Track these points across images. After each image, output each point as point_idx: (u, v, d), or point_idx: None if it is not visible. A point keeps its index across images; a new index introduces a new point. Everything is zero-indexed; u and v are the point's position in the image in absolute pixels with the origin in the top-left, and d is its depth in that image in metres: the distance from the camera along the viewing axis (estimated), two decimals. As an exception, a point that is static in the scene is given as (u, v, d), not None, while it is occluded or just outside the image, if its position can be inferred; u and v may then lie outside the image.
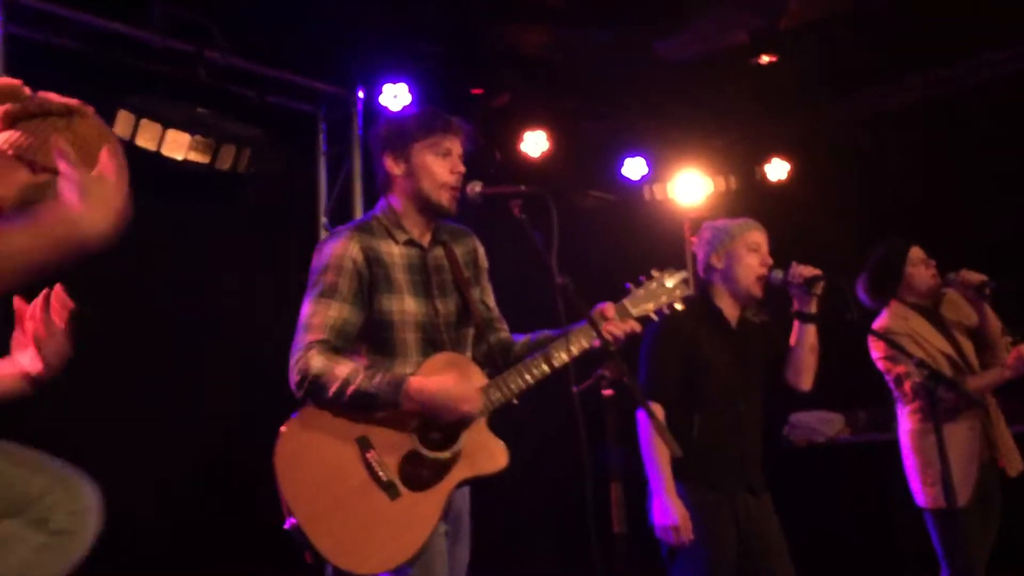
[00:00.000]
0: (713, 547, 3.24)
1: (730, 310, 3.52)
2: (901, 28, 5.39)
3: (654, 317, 2.85)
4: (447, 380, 2.56)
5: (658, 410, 3.22)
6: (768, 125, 6.58)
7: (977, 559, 3.72)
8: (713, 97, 6.16)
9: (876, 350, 3.96)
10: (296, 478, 2.49)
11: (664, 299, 2.85)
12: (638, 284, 2.85)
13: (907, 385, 3.82)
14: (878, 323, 3.97)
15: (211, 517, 4.67)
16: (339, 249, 2.69)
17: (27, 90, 2.09)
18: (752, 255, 3.46)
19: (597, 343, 2.67)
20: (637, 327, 2.77)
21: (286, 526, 2.47)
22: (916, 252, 4.03)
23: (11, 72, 4.11)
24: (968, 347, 3.95)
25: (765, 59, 5.82)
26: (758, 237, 3.52)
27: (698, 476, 3.28)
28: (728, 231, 3.52)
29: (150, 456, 4.59)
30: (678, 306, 2.88)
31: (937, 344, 3.89)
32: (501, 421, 2.65)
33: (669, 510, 3.20)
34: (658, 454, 3.23)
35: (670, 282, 2.87)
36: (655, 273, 2.88)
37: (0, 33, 4.08)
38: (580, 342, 2.70)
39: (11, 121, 2.00)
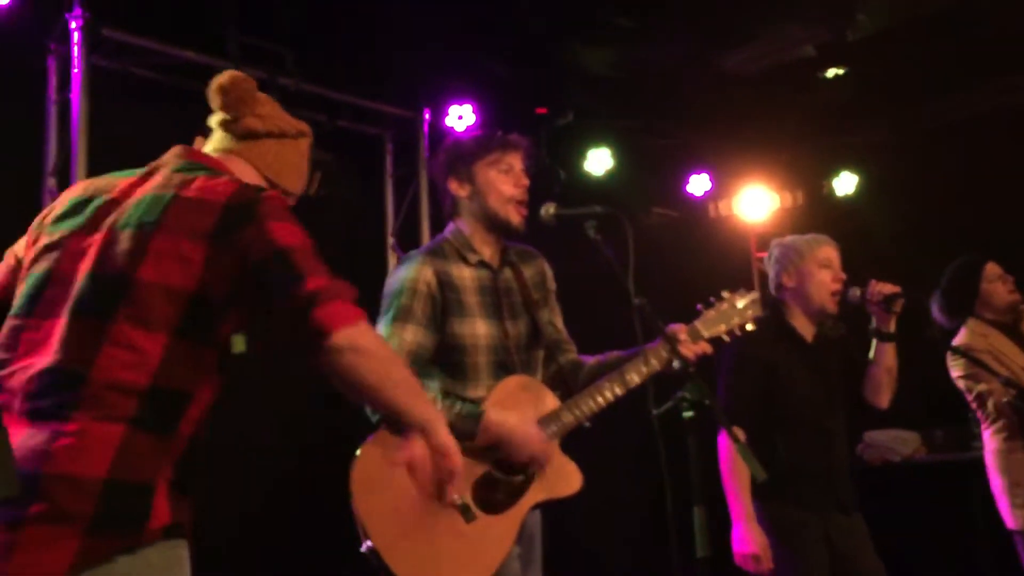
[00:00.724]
0: (802, 568, 3.18)
1: (804, 328, 3.46)
2: (969, 38, 5.29)
3: (726, 339, 2.82)
4: (524, 424, 2.55)
5: (740, 434, 3.15)
6: (835, 138, 6.49)
7: None
8: (779, 111, 6.10)
9: (956, 369, 3.87)
10: (372, 501, 2.50)
11: (736, 320, 2.82)
12: (709, 306, 2.83)
13: (991, 404, 3.72)
14: (957, 341, 3.88)
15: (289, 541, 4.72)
16: (413, 273, 2.70)
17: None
18: (824, 271, 3.41)
19: (670, 364, 2.66)
20: (708, 348, 2.74)
21: (363, 549, 2.48)
22: (992, 268, 3.94)
23: (93, 103, 4.25)
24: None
25: (832, 72, 5.77)
26: (829, 252, 3.46)
27: (785, 496, 3.21)
28: (797, 248, 3.47)
29: (225, 481, 4.66)
30: (750, 327, 2.85)
31: (1020, 361, 3.79)
32: (583, 444, 2.65)
33: (749, 537, 3.16)
34: (738, 479, 3.21)
35: (741, 303, 2.84)
36: (726, 295, 2.86)
37: (82, 65, 4.21)
38: (653, 363, 2.68)
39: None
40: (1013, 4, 4.98)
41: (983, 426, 3.86)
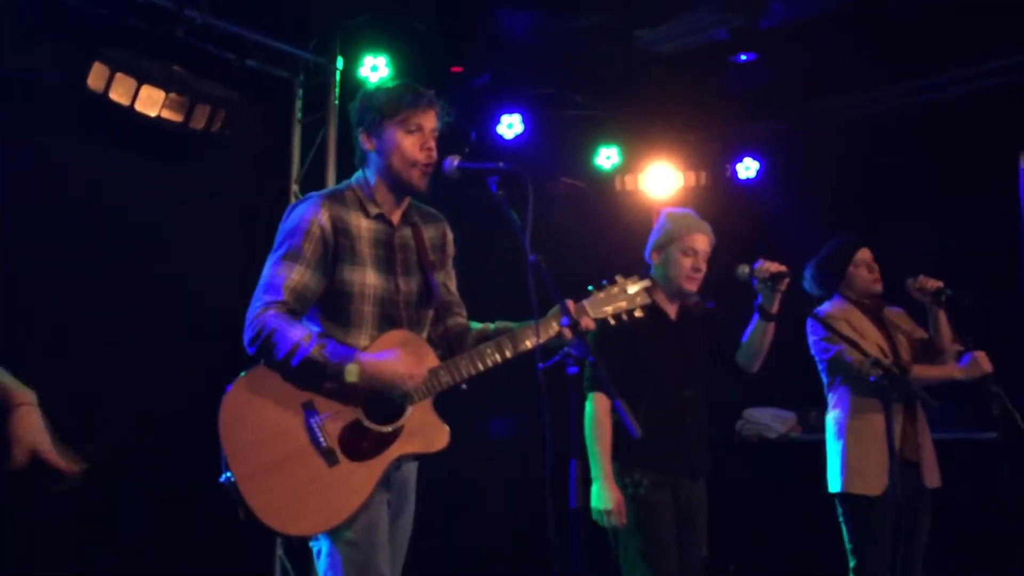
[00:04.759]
0: (653, 525, 3.42)
1: (666, 303, 3.64)
2: (880, 37, 5.47)
3: (612, 322, 2.86)
4: (395, 361, 2.56)
5: (603, 400, 3.42)
6: (742, 124, 6.65)
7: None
8: (690, 92, 6.21)
9: (812, 334, 4.05)
10: (237, 435, 2.50)
11: (624, 305, 2.86)
12: (599, 287, 2.87)
13: (842, 366, 3.91)
14: (819, 310, 4.06)
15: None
16: (308, 214, 2.68)
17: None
18: (687, 259, 3.58)
19: (557, 337, 2.69)
20: (592, 325, 2.78)
21: (221, 480, 2.49)
22: (863, 253, 4.11)
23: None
24: (904, 347, 4.04)
25: (743, 58, 5.90)
26: (698, 240, 3.61)
27: (641, 458, 3.44)
28: (669, 230, 3.64)
29: (119, 415, 4.57)
30: (638, 314, 2.89)
31: (874, 336, 3.98)
32: (469, 395, 2.68)
33: (606, 495, 3.37)
34: (602, 440, 3.42)
35: (632, 288, 2.88)
36: (619, 278, 2.89)
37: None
38: (540, 335, 2.69)
39: None
40: (921, 9, 5.16)
41: (828, 389, 4.08)
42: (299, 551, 5.04)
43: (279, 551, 5.11)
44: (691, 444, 3.54)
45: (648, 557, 3.40)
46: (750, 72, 6.05)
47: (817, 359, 4.09)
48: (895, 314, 4.16)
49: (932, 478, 3.93)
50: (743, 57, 5.91)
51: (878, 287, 4.08)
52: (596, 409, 3.45)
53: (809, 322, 4.04)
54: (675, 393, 3.53)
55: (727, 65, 5.97)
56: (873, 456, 3.79)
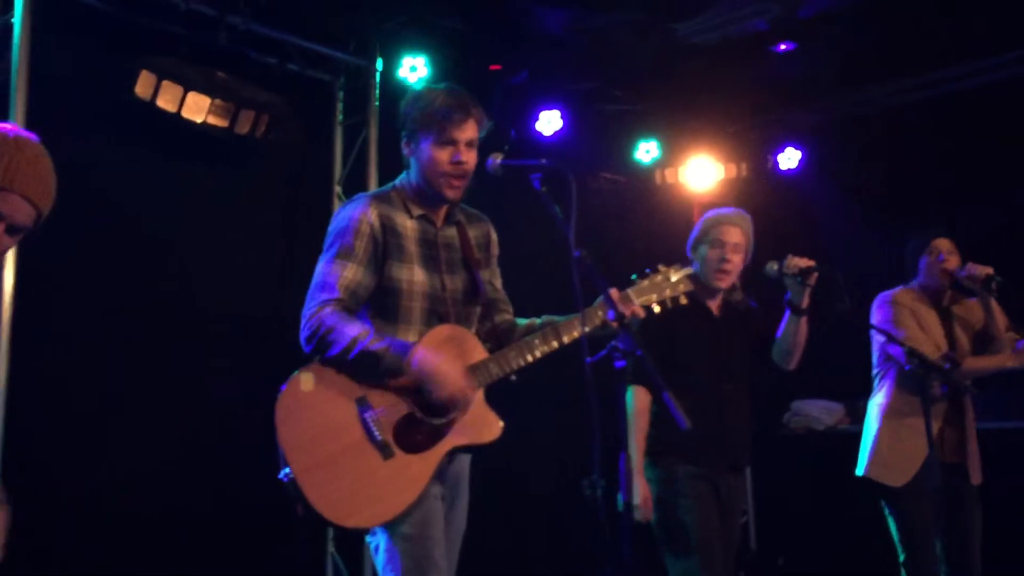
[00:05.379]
0: (698, 517, 3.42)
1: (708, 299, 3.65)
2: (921, 23, 5.40)
3: (656, 309, 2.88)
4: (451, 365, 2.59)
5: (642, 393, 3.44)
6: (782, 113, 6.60)
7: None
8: (729, 84, 6.18)
9: (873, 314, 4.04)
10: (294, 430, 2.55)
11: (668, 292, 2.89)
12: (643, 275, 2.89)
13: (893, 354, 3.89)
14: (886, 293, 4.07)
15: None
16: (358, 213, 2.74)
17: None
18: (714, 251, 3.60)
19: (603, 327, 2.72)
20: (641, 312, 2.80)
21: (280, 476, 2.54)
22: (939, 244, 4.06)
23: (40, 29, 4.14)
24: (964, 342, 4.01)
25: (783, 47, 5.86)
26: (729, 232, 3.62)
27: (682, 453, 3.46)
28: (703, 227, 3.68)
29: (163, 416, 4.66)
30: (682, 301, 2.91)
31: (934, 328, 3.95)
32: (517, 388, 2.70)
33: (634, 489, 3.38)
34: (639, 434, 3.47)
35: (675, 276, 2.91)
36: (661, 267, 2.92)
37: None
38: (586, 325, 2.72)
39: None
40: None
41: (876, 373, 4.07)
42: (351, 548, 5.11)
43: (331, 547, 5.17)
44: (730, 438, 3.56)
45: (691, 550, 3.40)
46: (790, 62, 6.00)
47: (872, 341, 4.08)
48: (968, 306, 4.09)
49: (975, 476, 3.91)
50: (782, 47, 5.86)
51: (944, 279, 4.02)
52: (634, 402, 3.47)
53: (873, 303, 4.06)
54: (714, 387, 3.54)
55: (766, 55, 5.93)
56: (903, 448, 3.81)
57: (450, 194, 2.77)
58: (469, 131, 2.77)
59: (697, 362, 3.55)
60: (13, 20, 4.12)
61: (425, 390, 2.58)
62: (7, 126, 1.94)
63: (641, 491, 3.42)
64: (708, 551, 3.41)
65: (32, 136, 2.02)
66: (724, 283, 3.63)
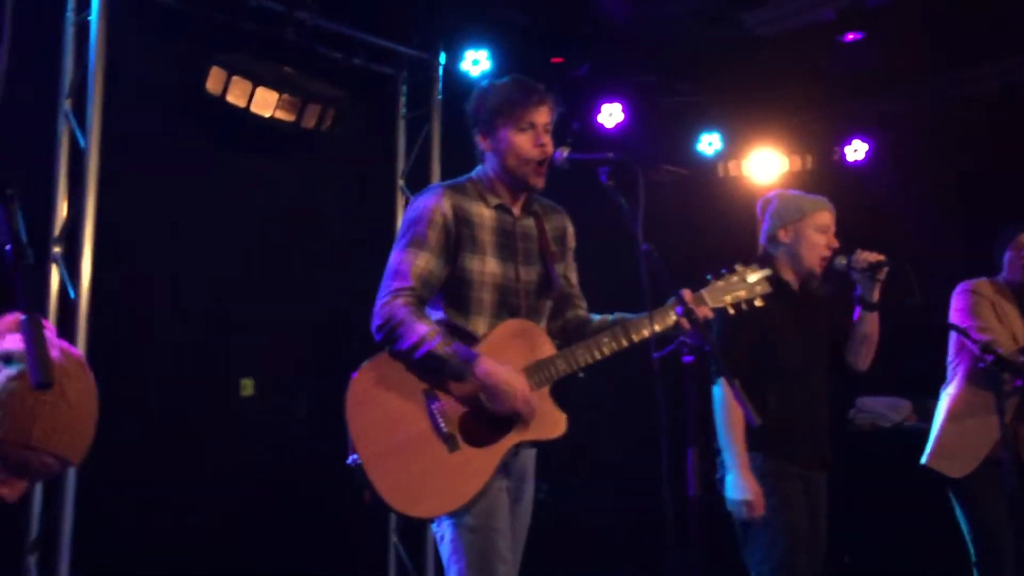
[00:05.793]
0: (788, 516, 3.25)
1: (793, 283, 3.52)
2: (991, 10, 5.26)
3: (731, 311, 2.84)
4: (516, 378, 2.59)
5: (733, 385, 3.22)
6: (849, 104, 6.48)
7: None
8: (794, 74, 6.08)
9: (952, 304, 3.97)
10: (363, 418, 2.58)
11: (743, 294, 2.84)
12: (718, 276, 2.85)
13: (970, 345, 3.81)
14: (967, 282, 4.00)
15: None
16: (431, 203, 2.75)
17: None
18: (819, 235, 3.45)
19: (674, 327, 2.69)
20: (710, 313, 2.76)
21: (348, 462, 2.57)
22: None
23: (116, 27, 4.25)
24: None
25: (850, 37, 5.75)
26: (828, 218, 3.49)
27: (774, 448, 3.27)
28: (799, 206, 3.49)
29: (229, 406, 4.76)
30: (758, 303, 2.86)
31: (1014, 322, 3.88)
32: (583, 383, 2.71)
33: (743, 485, 3.20)
34: (734, 428, 3.24)
35: (752, 277, 2.86)
36: (738, 267, 2.87)
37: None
38: (657, 325, 2.70)
39: None
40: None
41: (950, 363, 3.99)
42: (414, 538, 5.17)
43: (394, 538, 5.24)
44: (819, 432, 3.40)
45: (781, 549, 3.23)
46: (857, 51, 5.89)
47: (950, 330, 4.01)
48: None
49: None
50: (850, 36, 5.76)
51: None
52: (726, 396, 3.27)
53: (953, 291, 3.99)
54: (804, 378, 3.40)
55: (834, 45, 5.82)
56: (967, 440, 3.75)
57: (537, 182, 2.77)
58: (545, 115, 2.78)
59: (786, 351, 3.38)
60: (90, 18, 4.22)
61: (487, 402, 2.59)
62: (65, 347, 1.56)
63: (752, 486, 3.19)
64: (796, 553, 3.24)
65: (81, 361, 1.61)
66: (821, 269, 3.47)
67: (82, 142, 4.19)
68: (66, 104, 4.28)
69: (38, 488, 4.01)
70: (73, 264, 4.11)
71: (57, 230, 4.20)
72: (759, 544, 3.27)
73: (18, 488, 1.57)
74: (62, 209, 4.23)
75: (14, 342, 1.49)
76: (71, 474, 3.92)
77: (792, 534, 3.25)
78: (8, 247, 1.33)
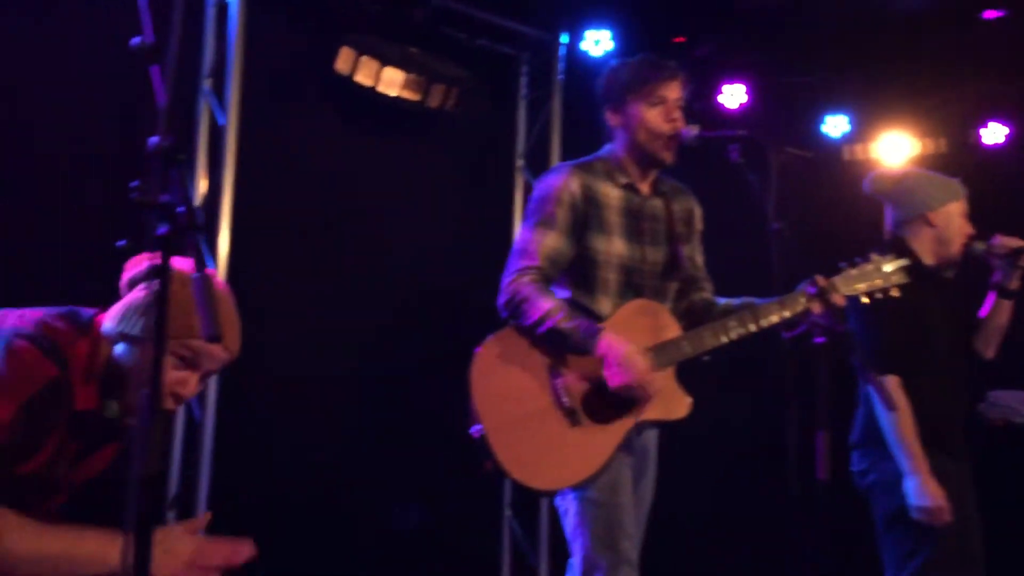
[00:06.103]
0: (962, 518, 3.09)
1: (935, 269, 3.39)
2: None
3: (865, 300, 2.78)
4: (636, 357, 2.57)
5: (894, 382, 3.09)
6: (987, 85, 6.18)
7: None
8: (928, 54, 5.84)
9: None
10: (487, 390, 2.64)
11: (879, 283, 2.79)
12: (852, 264, 2.80)
13: None
14: None
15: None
16: (559, 182, 2.78)
17: None
18: (965, 220, 3.35)
19: (805, 314, 2.65)
20: (842, 302, 2.71)
21: (472, 432, 2.62)
22: None
23: (253, 9, 4.42)
24: None
25: (991, 14, 5.49)
26: (965, 202, 3.39)
27: (936, 444, 3.12)
28: (948, 187, 3.37)
29: (351, 382, 4.91)
30: (894, 293, 2.80)
31: None
32: (710, 365, 2.69)
33: (928, 491, 3.03)
34: (908, 428, 3.07)
35: (888, 267, 2.81)
36: (873, 256, 2.82)
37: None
38: (787, 310, 2.67)
39: None
40: None
41: None
42: (528, 511, 5.23)
43: (507, 511, 5.31)
44: (962, 424, 3.29)
45: (942, 546, 3.06)
46: (997, 30, 5.62)
47: None
48: None
49: None
50: (990, 14, 5.49)
51: None
52: (894, 392, 3.10)
53: None
54: (955, 366, 3.29)
55: (972, 22, 5.57)
56: None
57: (667, 156, 2.78)
58: (676, 90, 2.78)
59: (939, 339, 3.26)
60: (229, 0, 4.40)
61: (606, 375, 2.60)
62: (211, 272, 1.76)
63: (936, 491, 3.02)
64: (957, 550, 3.09)
65: (219, 280, 1.97)
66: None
67: (221, 120, 4.38)
68: (206, 84, 4.48)
69: (177, 448, 4.24)
70: (211, 239, 4.31)
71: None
72: (908, 535, 3.09)
73: (191, 383, 1.87)
74: (201, 186, 4.43)
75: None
76: (208, 435, 4.14)
77: (964, 541, 3.12)
78: (181, 208, 1.44)
